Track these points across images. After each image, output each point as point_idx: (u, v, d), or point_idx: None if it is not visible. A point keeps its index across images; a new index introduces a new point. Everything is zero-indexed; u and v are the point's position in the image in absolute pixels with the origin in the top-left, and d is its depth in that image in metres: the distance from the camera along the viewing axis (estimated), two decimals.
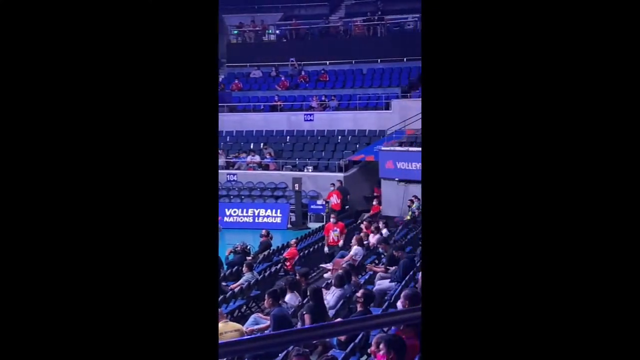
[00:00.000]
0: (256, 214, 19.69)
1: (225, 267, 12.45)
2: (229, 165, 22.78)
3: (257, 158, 22.41)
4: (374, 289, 9.45)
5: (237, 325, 7.61)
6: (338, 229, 14.16)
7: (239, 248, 13.59)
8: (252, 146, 23.33)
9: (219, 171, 22.26)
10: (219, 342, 1.63)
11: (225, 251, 13.89)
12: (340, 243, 13.90)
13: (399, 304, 6.79)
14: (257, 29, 27.45)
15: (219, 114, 25.36)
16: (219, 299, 9.79)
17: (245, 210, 19.75)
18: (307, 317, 7.26)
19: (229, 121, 24.36)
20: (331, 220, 14.75)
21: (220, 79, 26.39)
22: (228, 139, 24.25)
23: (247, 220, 19.38)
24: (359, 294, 7.45)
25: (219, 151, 23.05)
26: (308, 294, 8.09)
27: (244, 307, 10.10)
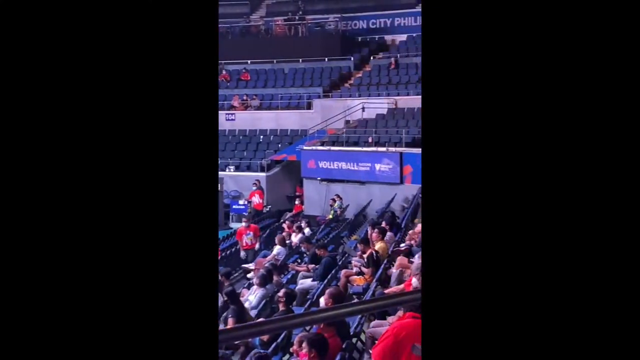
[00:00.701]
0: None
1: None
2: None
3: None
4: (296, 288, 9.48)
5: None
6: (251, 232, 13.64)
7: None
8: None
9: None
10: None
11: None
12: (257, 246, 13.52)
13: (323, 302, 6.85)
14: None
15: None
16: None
17: None
18: (230, 321, 7.21)
19: None
20: (243, 224, 14.09)
21: None
22: None
23: None
24: (280, 293, 7.46)
25: None
26: (225, 297, 8.01)
27: None
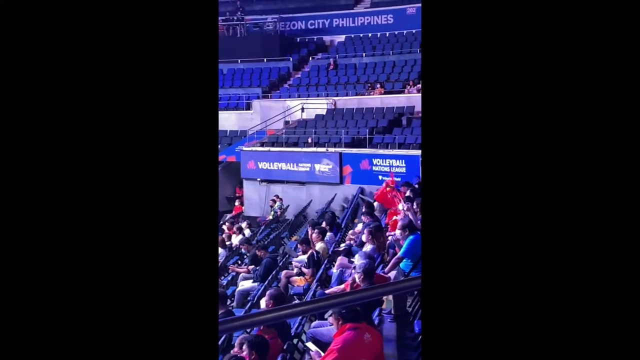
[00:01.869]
0: None
1: None
2: None
3: None
4: (237, 289, 9.43)
5: None
6: None
7: None
8: None
9: None
10: None
11: None
12: None
13: (264, 304, 6.83)
14: None
15: None
16: None
17: None
18: None
19: None
20: None
21: None
22: None
23: None
24: None
25: None
26: None
27: None
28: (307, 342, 5.70)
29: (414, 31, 22.72)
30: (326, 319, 6.21)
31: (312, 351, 5.25)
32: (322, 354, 4.88)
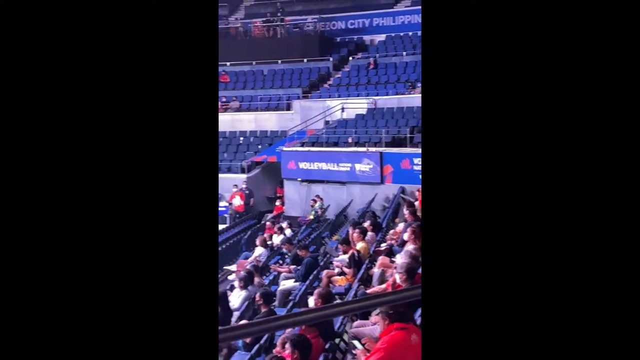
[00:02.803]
0: None
1: None
2: None
3: None
4: (278, 289, 9.48)
5: None
6: None
7: None
8: None
9: None
10: None
11: None
12: None
13: (312, 303, 6.85)
14: None
15: None
16: None
17: None
18: None
19: None
20: None
21: None
22: None
23: None
24: (257, 295, 7.46)
25: None
26: None
27: None
28: (350, 340, 5.70)
29: None
30: (368, 319, 6.20)
31: (357, 349, 5.25)
32: (367, 352, 4.87)
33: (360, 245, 9.64)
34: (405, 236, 8.29)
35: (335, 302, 6.33)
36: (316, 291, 6.71)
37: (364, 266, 8.90)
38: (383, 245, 9.97)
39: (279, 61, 24.96)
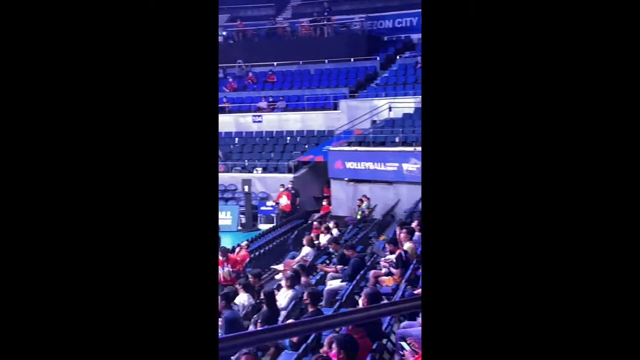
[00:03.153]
0: None
1: None
2: None
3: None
4: (325, 289, 9.48)
5: None
6: (230, 265, 10.72)
7: None
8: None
9: None
10: None
11: None
12: (233, 275, 10.62)
13: (361, 303, 6.83)
14: (244, 28, 27.24)
15: None
16: None
17: None
18: (260, 326, 7.25)
19: None
20: (219, 256, 10.80)
21: None
22: None
23: None
24: (304, 295, 7.47)
25: None
26: (262, 296, 8.07)
27: None
28: (398, 341, 5.66)
29: None
30: (416, 320, 6.14)
31: (405, 350, 5.20)
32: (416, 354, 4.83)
33: (407, 246, 9.58)
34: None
35: (382, 302, 6.29)
36: (364, 291, 6.68)
37: (411, 266, 8.84)
38: None
39: (326, 61, 24.99)
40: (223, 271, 10.91)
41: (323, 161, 19.85)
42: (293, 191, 19.23)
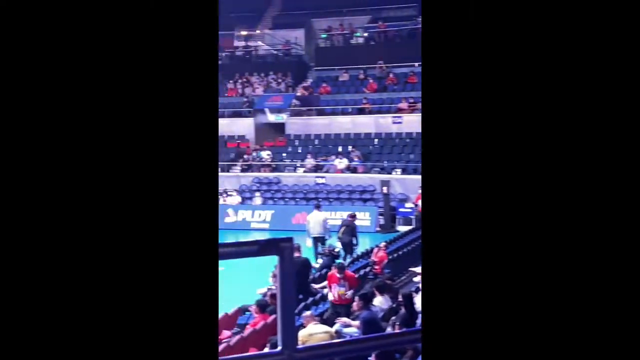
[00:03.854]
0: (344, 217, 19.66)
1: (314, 270, 12.50)
2: (317, 169, 22.92)
3: (345, 161, 22.46)
4: None
5: (327, 327, 7.60)
6: (347, 283, 9.60)
7: (326, 251, 13.63)
8: (340, 149, 23.39)
9: (308, 175, 22.44)
10: (311, 344, 1.62)
11: (313, 255, 13.99)
12: (349, 294, 9.37)
13: None
14: (345, 32, 27.54)
15: (307, 117, 25.34)
16: (309, 301, 9.83)
17: (333, 213, 19.78)
18: (398, 328, 7.17)
19: (317, 124, 24.54)
20: (335, 272, 9.78)
21: (308, 83, 26.64)
22: (316, 142, 24.41)
23: (336, 223, 19.36)
24: None
25: (308, 155, 23.24)
26: (400, 298, 8.00)
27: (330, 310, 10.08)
28: None
29: None
30: None
31: None
32: None
33: None
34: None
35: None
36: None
37: None
38: None
39: None
40: (338, 290, 9.49)
41: None
42: None
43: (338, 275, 9.59)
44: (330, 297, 9.62)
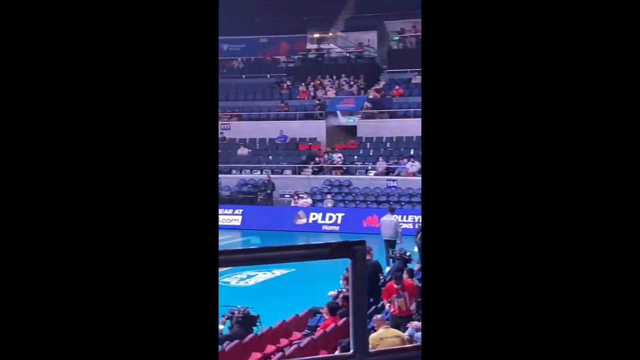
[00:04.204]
0: (416, 220, 19.48)
1: (384, 273, 12.42)
2: (389, 171, 22.81)
3: (417, 164, 22.25)
4: None
5: (398, 332, 7.53)
6: (406, 293, 8.88)
7: (397, 254, 13.52)
8: (412, 152, 23.20)
9: (379, 177, 22.36)
10: (382, 349, 1.62)
11: (383, 258, 13.92)
12: (412, 307, 8.82)
13: None
14: (418, 34, 27.31)
15: (379, 120, 25.29)
16: (380, 304, 9.77)
17: (405, 216, 19.62)
18: None
19: (389, 127, 24.42)
20: (392, 283, 9.10)
21: (381, 85, 26.55)
22: (388, 145, 24.29)
23: (407, 226, 19.20)
24: None
25: (379, 157, 23.16)
26: None
27: None
28: None
29: None
30: None
31: None
32: None
33: None
34: None
35: None
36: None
37: None
38: None
39: None
40: (399, 301, 8.85)
41: None
42: None
43: (396, 285, 8.89)
44: (390, 308, 8.95)
